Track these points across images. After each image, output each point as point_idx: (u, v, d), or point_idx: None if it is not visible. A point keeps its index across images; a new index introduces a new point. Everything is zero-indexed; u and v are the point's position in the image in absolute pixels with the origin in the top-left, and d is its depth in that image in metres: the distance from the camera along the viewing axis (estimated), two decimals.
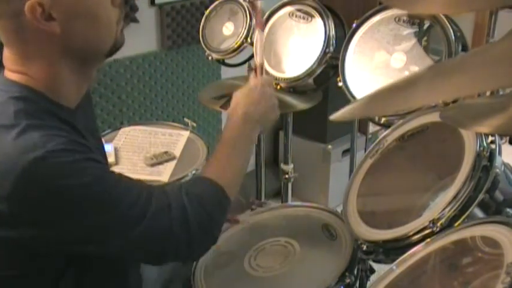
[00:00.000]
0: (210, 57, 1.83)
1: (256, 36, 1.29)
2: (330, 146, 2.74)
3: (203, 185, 1.05)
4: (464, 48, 1.27)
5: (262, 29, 1.33)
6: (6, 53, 1.00)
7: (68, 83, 1.02)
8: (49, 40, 0.97)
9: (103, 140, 1.37)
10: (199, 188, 1.04)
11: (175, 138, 1.82)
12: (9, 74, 1.00)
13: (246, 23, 1.74)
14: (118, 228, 0.94)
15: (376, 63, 1.37)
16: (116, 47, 1.05)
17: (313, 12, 1.59)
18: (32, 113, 0.94)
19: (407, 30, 1.34)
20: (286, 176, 2.00)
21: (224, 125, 1.19)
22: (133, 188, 0.97)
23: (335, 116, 0.76)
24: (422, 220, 1.04)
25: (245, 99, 1.18)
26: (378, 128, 1.62)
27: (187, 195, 1.00)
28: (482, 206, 1.02)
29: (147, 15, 2.36)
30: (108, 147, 1.68)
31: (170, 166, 1.66)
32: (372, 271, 1.22)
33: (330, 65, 1.53)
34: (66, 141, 0.92)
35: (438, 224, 1.01)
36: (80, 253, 0.98)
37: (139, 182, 1.02)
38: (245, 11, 1.75)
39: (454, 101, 1.14)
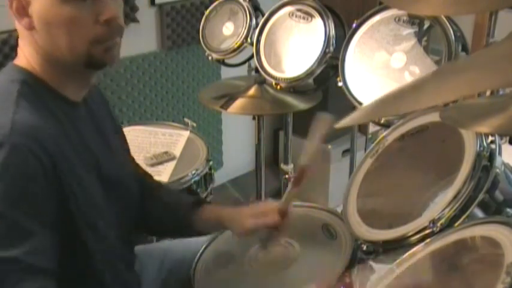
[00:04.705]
0: (210, 57, 1.84)
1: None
2: (330, 146, 2.74)
3: None
4: (464, 48, 1.27)
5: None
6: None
7: (60, 77, 1.04)
8: (29, 33, 1.00)
9: None
10: None
11: (175, 138, 1.82)
12: (17, 60, 1.04)
13: (246, 23, 1.74)
14: None
15: (376, 63, 1.37)
16: (93, 63, 1.03)
17: (313, 12, 1.59)
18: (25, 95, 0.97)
19: (407, 30, 1.34)
20: (286, 176, 2.00)
21: None
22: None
23: (341, 124, 0.76)
24: (422, 220, 1.04)
25: None
26: (378, 128, 1.61)
27: None
28: (482, 206, 1.02)
29: (147, 15, 2.36)
30: None
31: (170, 166, 1.66)
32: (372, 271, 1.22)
33: (330, 65, 1.53)
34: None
35: (438, 224, 1.01)
36: None
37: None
38: (245, 11, 1.75)
39: (454, 101, 1.14)
